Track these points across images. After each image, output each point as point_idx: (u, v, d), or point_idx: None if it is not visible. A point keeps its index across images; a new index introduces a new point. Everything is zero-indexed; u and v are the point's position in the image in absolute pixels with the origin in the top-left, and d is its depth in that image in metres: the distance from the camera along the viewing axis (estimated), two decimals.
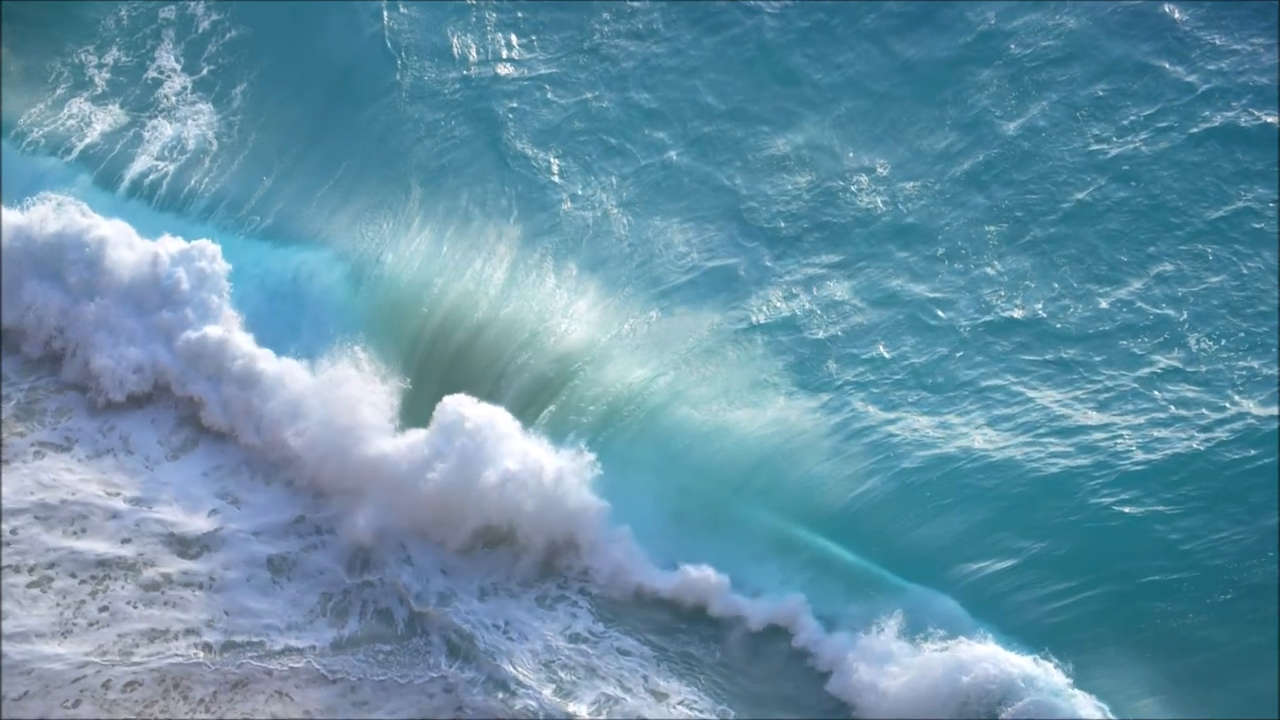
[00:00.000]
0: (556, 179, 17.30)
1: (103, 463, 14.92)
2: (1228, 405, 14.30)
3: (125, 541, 14.12)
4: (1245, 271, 15.42)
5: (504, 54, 18.68)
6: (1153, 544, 13.54)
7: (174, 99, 18.46)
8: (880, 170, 16.98)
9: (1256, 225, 15.79)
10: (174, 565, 13.94)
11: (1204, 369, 14.65)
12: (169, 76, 18.71)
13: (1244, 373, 14.55)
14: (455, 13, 19.06)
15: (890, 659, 12.91)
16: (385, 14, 18.98)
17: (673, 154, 17.42)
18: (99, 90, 18.62)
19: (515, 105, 18.06)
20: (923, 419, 14.66)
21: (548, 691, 13.00)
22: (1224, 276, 15.40)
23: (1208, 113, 16.84)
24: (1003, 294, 15.63)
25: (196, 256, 16.23)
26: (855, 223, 16.53)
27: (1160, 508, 13.73)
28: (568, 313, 15.87)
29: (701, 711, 12.98)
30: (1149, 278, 15.52)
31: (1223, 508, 13.66)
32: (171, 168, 17.81)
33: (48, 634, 13.31)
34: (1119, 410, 14.46)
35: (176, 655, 13.20)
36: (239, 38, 19.00)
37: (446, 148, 17.67)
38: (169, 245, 16.33)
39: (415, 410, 14.93)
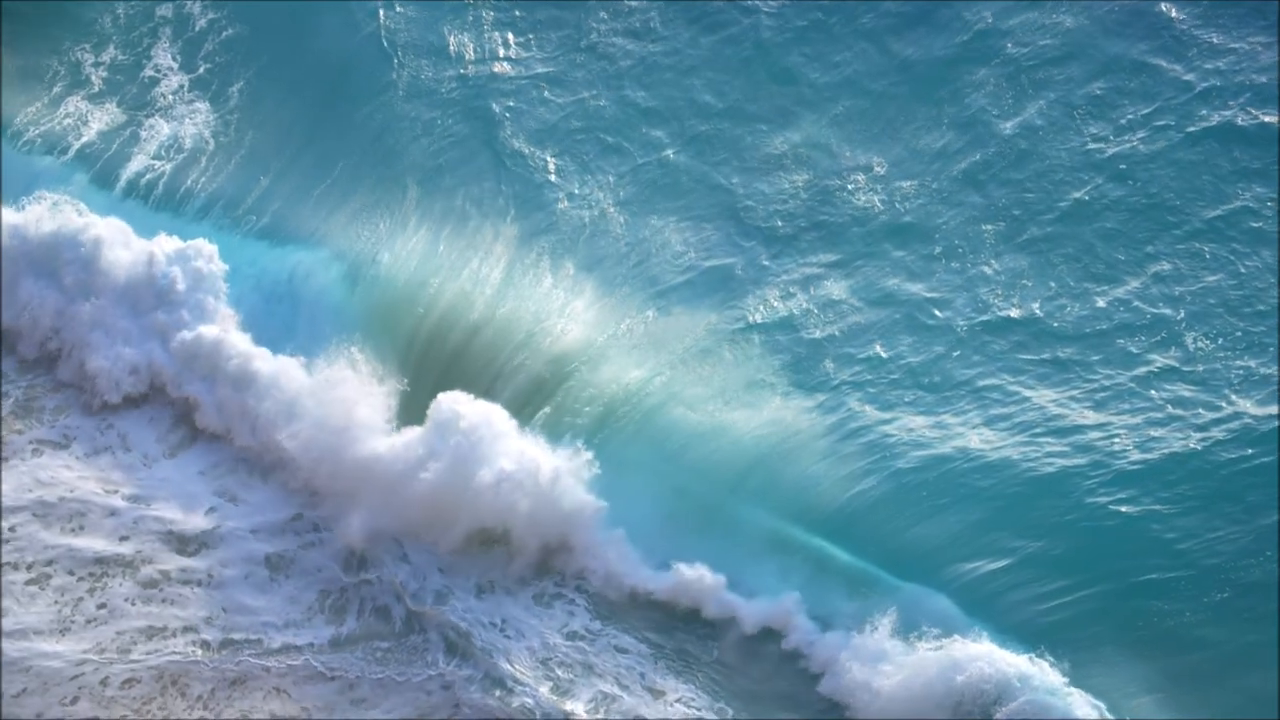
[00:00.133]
0: (553, 178, 17.29)
1: (101, 460, 14.94)
2: (1224, 404, 14.30)
3: (123, 539, 14.14)
4: (1243, 270, 15.41)
5: (501, 53, 18.67)
6: (1149, 543, 13.53)
7: (171, 98, 18.45)
8: (877, 169, 16.97)
9: (1254, 224, 15.78)
10: (172, 563, 13.96)
11: (1201, 368, 14.64)
12: (166, 75, 18.70)
13: (1241, 372, 14.54)
14: (452, 11, 19.03)
15: (884, 658, 12.89)
16: (381, 13, 18.95)
17: (670, 153, 17.41)
18: (96, 89, 18.60)
19: (512, 104, 18.05)
20: (919, 418, 14.66)
21: (545, 689, 13.01)
22: (1221, 275, 15.39)
23: (1205, 111, 16.82)
24: (1000, 293, 15.62)
25: (193, 256, 16.21)
26: (852, 222, 16.52)
27: (1157, 507, 13.72)
28: (564, 313, 15.86)
29: (699, 709, 12.98)
30: (1146, 277, 15.51)
31: (1219, 507, 13.66)
32: (168, 167, 17.79)
33: (46, 631, 13.32)
34: (1115, 410, 14.45)
35: (174, 653, 13.22)
36: (235, 36, 18.99)
37: (443, 147, 17.65)
38: (165, 245, 16.30)
39: (411, 411, 14.89)
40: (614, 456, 14.42)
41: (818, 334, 15.53)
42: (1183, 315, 15.10)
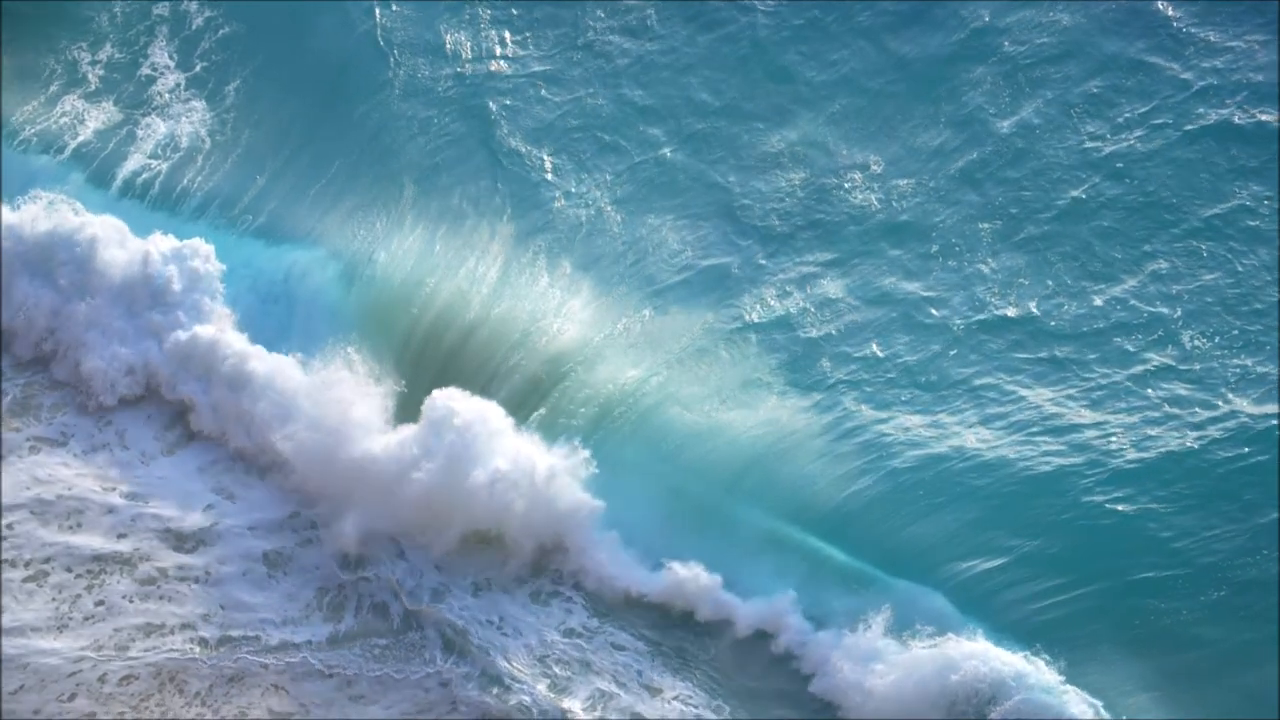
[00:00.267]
0: (550, 177, 17.28)
1: (98, 458, 14.94)
2: (1221, 403, 14.30)
3: (121, 536, 14.14)
4: (1240, 269, 15.40)
5: (497, 51, 18.65)
6: (1145, 542, 13.53)
7: (167, 96, 18.43)
8: (874, 168, 16.96)
9: (1251, 223, 15.78)
10: (170, 560, 13.96)
11: (1198, 367, 14.63)
12: (162, 74, 18.68)
13: (1237, 370, 14.54)
14: (448, 10, 19.01)
15: (877, 657, 12.84)
16: (377, 11, 18.93)
17: (667, 151, 17.40)
18: (92, 87, 18.58)
19: (508, 103, 18.03)
20: (915, 418, 14.65)
21: (542, 687, 13.01)
22: (1218, 274, 15.39)
23: (1202, 110, 16.81)
24: (996, 292, 15.62)
25: (189, 255, 16.17)
26: (849, 220, 16.51)
27: (1153, 505, 13.72)
28: (561, 312, 15.85)
29: (696, 707, 12.98)
30: (1143, 275, 15.51)
31: (1216, 505, 13.66)
32: (164, 166, 17.77)
33: (44, 628, 13.33)
34: (1112, 408, 14.45)
35: (172, 650, 13.22)
36: (232, 34, 18.96)
37: (439, 145, 17.63)
38: (161, 244, 16.24)
39: (406, 411, 14.86)
40: (610, 457, 14.40)
41: (814, 333, 15.52)
42: (1179, 314, 15.10)
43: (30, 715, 12.66)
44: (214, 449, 15.16)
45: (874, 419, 14.68)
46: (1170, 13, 17.77)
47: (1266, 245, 15.53)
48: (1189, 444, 13.99)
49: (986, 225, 16.24)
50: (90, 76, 18.68)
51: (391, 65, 18.45)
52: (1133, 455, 14.02)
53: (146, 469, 14.86)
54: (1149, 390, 14.53)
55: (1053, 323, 15.24)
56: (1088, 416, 14.40)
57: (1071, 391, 14.68)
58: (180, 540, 14.16)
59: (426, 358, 15.59)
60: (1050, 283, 15.59)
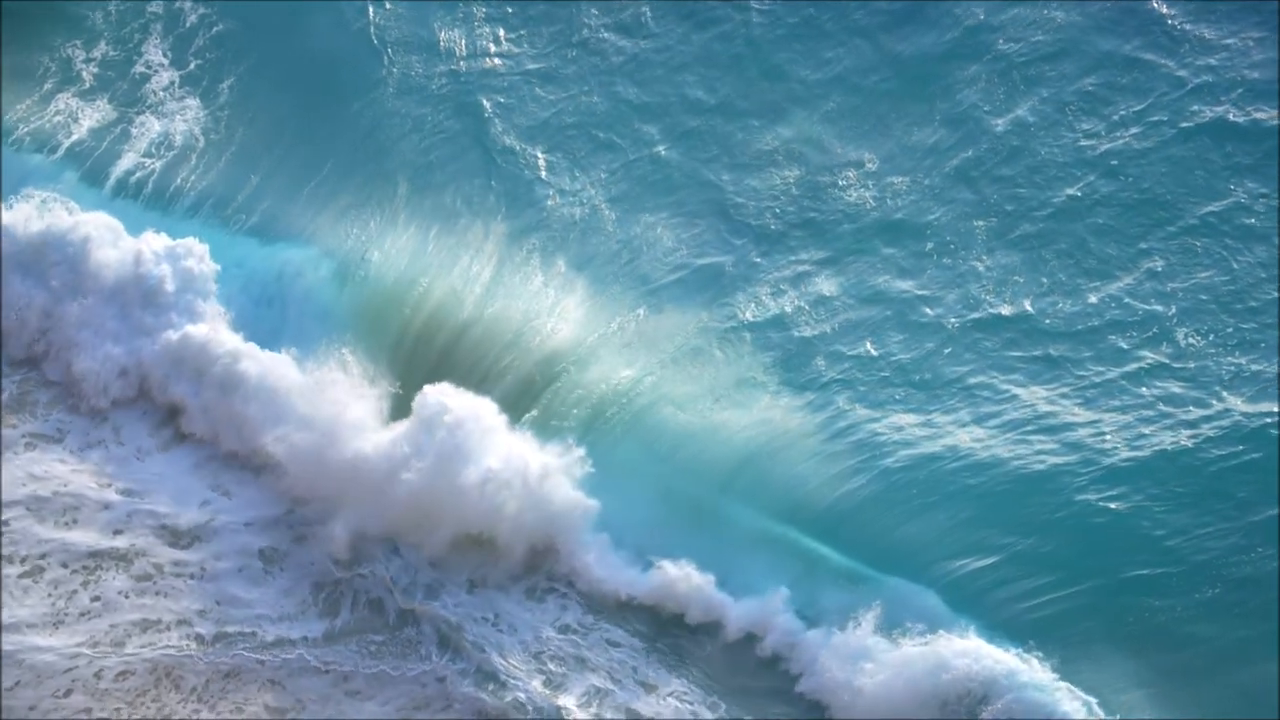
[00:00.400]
0: (544, 175, 17.26)
1: (94, 454, 14.92)
2: (1215, 401, 14.30)
3: (117, 533, 14.12)
4: (1235, 266, 15.40)
5: (491, 49, 18.62)
6: (1139, 540, 13.54)
7: (161, 94, 18.40)
8: (868, 166, 16.95)
9: (1247, 220, 15.78)
10: (165, 556, 13.95)
11: (1192, 365, 14.64)
12: (156, 71, 18.65)
13: (1232, 369, 14.54)
14: (442, 7, 18.97)
15: (866, 656, 12.79)
16: (371, 9, 18.90)
17: (661, 149, 17.38)
18: (86, 85, 18.54)
19: (502, 100, 18.01)
20: (909, 416, 14.66)
21: (537, 683, 13.01)
22: (1213, 272, 15.39)
23: (1198, 107, 16.80)
24: (990, 290, 15.62)
25: (183, 255, 16.10)
26: (843, 219, 16.51)
27: (1146, 503, 13.73)
28: (554, 311, 15.83)
29: (692, 704, 12.98)
30: (1138, 273, 15.51)
31: (1209, 503, 13.67)
32: (158, 165, 17.74)
33: (39, 625, 13.32)
34: (1106, 406, 14.46)
35: (168, 646, 13.22)
36: (225, 32, 18.92)
37: (433, 144, 17.61)
38: (154, 243, 16.18)
39: (398, 411, 14.82)
40: (604, 457, 14.35)
41: (808, 332, 15.52)
42: (1174, 312, 15.10)
43: (26, 711, 12.66)
44: (209, 445, 15.14)
45: (867, 418, 14.68)
46: (1165, 10, 17.75)
47: (1261, 243, 15.53)
48: (1183, 442, 14.00)
49: (981, 223, 16.24)
50: (84, 75, 18.65)
51: (385, 63, 18.42)
52: (1126, 453, 14.03)
53: (142, 465, 14.85)
54: (1143, 388, 14.54)
55: (1047, 321, 15.24)
56: (1081, 415, 14.41)
57: (1065, 390, 14.69)
58: (176, 536, 14.15)
59: (419, 357, 15.54)
60: (1045, 281, 15.58)
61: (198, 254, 16.11)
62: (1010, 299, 15.49)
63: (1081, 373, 14.79)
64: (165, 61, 18.73)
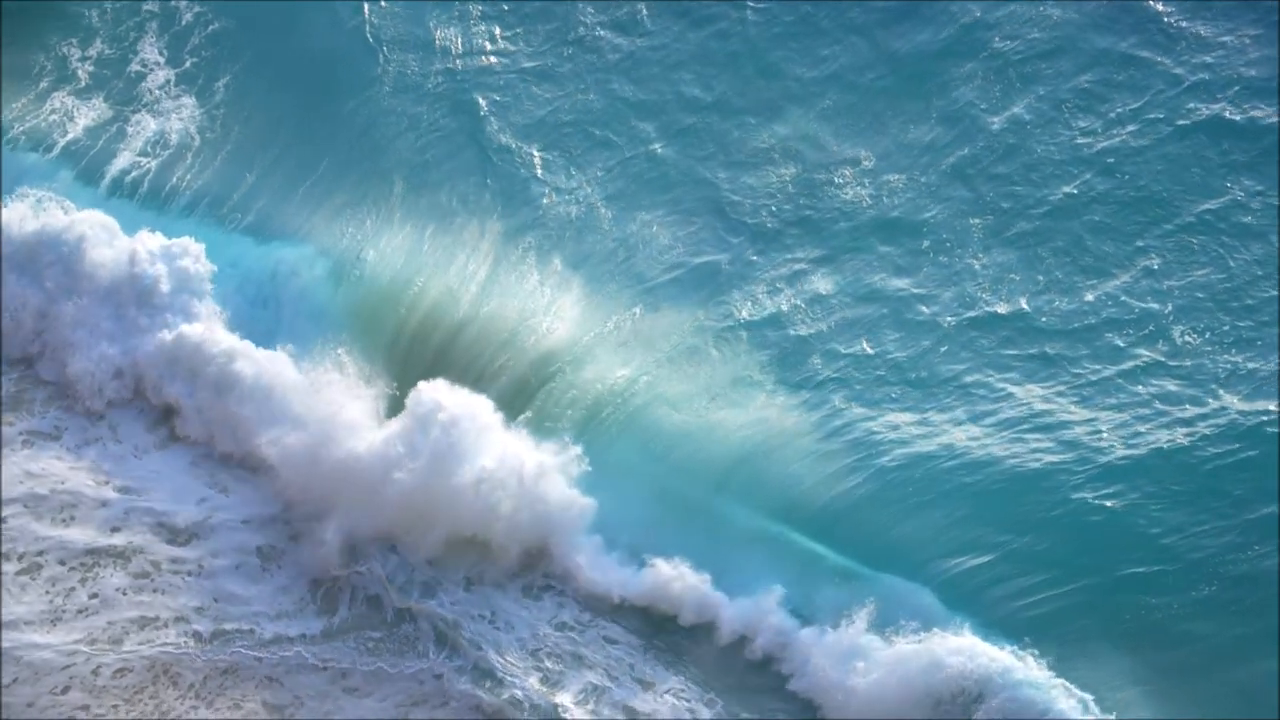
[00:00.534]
0: (540, 173, 17.24)
1: (91, 452, 14.93)
2: (1211, 399, 14.31)
3: (115, 530, 14.14)
4: (1231, 264, 15.41)
5: (487, 47, 18.61)
6: (1135, 537, 13.55)
7: (157, 92, 18.38)
8: (865, 164, 16.94)
9: (1243, 218, 15.77)
10: (163, 553, 13.96)
11: (1188, 363, 14.64)
12: (152, 70, 18.63)
13: (1228, 366, 14.55)
14: (437, 5, 18.95)
15: (859, 654, 12.77)
16: (366, 7, 18.88)
17: (657, 147, 17.37)
18: (82, 84, 18.52)
19: (498, 98, 17.99)
20: (904, 415, 14.66)
21: (534, 681, 13.03)
22: (1210, 269, 15.39)
23: (1194, 105, 16.79)
24: (986, 288, 15.61)
25: (178, 254, 16.08)
26: (839, 216, 16.50)
27: (1142, 501, 13.74)
28: (550, 310, 15.82)
29: (688, 700, 13.00)
30: (1134, 271, 15.50)
31: (1205, 501, 13.68)
32: (154, 163, 17.72)
33: (37, 622, 13.34)
34: (1102, 405, 14.46)
35: (166, 643, 13.24)
36: (221, 30, 18.91)
37: (429, 142, 17.59)
38: (149, 242, 16.14)
39: (393, 411, 14.76)
40: (599, 457, 14.35)
41: (804, 330, 15.51)
42: (1170, 309, 15.10)
43: (24, 708, 12.69)
44: (205, 444, 15.14)
45: (863, 416, 14.68)
46: (1161, 7, 17.74)
47: (1258, 240, 15.53)
48: (1179, 440, 14.01)
49: (977, 221, 16.23)
50: (80, 73, 18.63)
51: (381, 61, 18.40)
52: (1122, 451, 14.03)
53: (140, 463, 14.86)
54: (1139, 386, 14.54)
55: (1043, 319, 15.24)
56: (1078, 413, 14.41)
57: (1061, 388, 14.69)
58: (174, 534, 14.17)
59: (415, 356, 15.54)
60: (1041, 279, 15.58)
61: (193, 253, 16.10)
62: (1006, 297, 15.49)
63: (1078, 371, 14.79)
64: (161, 60, 18.72)
